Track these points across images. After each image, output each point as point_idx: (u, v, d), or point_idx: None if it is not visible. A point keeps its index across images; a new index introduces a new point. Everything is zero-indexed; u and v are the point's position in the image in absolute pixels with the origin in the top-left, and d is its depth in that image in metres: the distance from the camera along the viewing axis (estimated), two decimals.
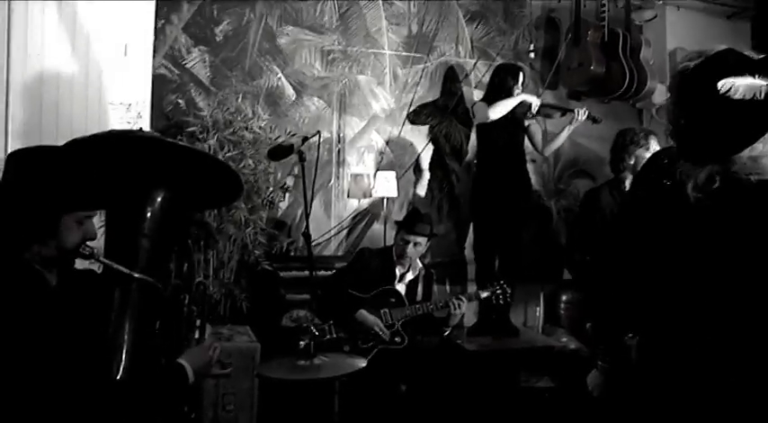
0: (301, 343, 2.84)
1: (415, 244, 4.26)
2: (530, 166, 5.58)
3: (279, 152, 3.18)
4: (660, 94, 5.74)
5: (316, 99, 5.57)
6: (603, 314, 3.12)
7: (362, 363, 2.97)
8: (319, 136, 3.24)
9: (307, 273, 3.63)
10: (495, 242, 5.29)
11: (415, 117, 5.88)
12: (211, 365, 2.31)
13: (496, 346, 5.03)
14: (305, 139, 3.17)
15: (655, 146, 4.12)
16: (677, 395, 1.87)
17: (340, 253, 5.58)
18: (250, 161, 4.61)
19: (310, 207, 3.20)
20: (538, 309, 5.83)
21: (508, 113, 5.16)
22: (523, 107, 5.23)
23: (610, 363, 2.82)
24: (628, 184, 4.15)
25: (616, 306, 2.69)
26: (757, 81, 1.73)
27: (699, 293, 1.82)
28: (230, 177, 2.33)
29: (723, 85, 1.74)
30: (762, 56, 1.86)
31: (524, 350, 5.01)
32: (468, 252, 5.71)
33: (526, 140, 5.44)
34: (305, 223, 3.22)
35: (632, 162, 4.14)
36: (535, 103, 5.19)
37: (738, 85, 1.73)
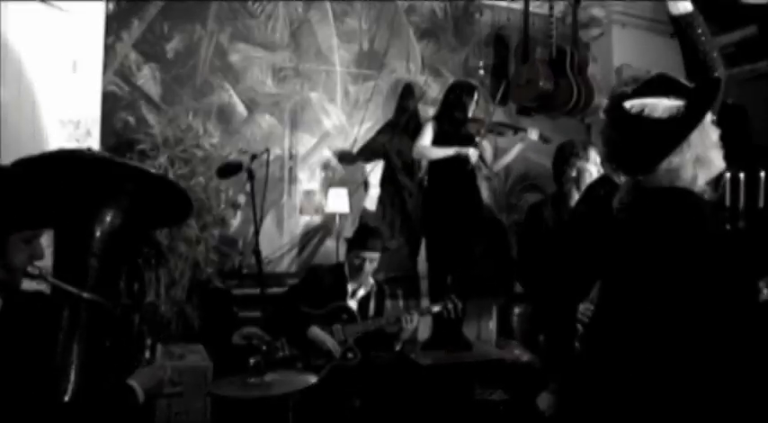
0: (252, 360, 2.84)
1: (371, 261, 4.29)
2: (482, 182, 5.68)
3: (227, 170, 3.20)
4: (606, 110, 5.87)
5: (267, 116, 5.58)
6: (552, 327, 3.21)
7: (313, 379, 2.98)
8: (268, 153, 3.27)
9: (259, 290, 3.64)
10: (447, 257, 5.35)
11: (360, 154, 5.93)
12: (162, 385, 2.29)
13: (450, 359, 5.08)
14: (253, 156, 3.19)
15: (595, 157, 4.20)
16: (623, 399, 1.91)
17: (293, 270, 5.58)
18: (201, 179, 4.61)
19: (260, 224, 3.21)
20: (491, 322, 5.89)
21: (461, 127, 5.25)
22: (474, 127, 5.32)
23: (560, 382, 2.90)
24: (572, 196, 4.23)
25: (561, 318, 2.77)
26: (675, 102, 1.89)
27: (627, 303, 1.91)
28: (179, 196, 2.34)
29: (636, 105, 1.91)
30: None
31: (478, 363, 5.06)
32: (421, 267, 5.75)
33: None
34: (254, 240, 3.23)
35: (574, 174, 4.20)
36: (473, 156, 5.21)
37: (656, 105, 1.90)
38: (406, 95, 6.05)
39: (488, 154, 5.66)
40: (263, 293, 3.37)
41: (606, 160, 2.13)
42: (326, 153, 5.80)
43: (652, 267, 1.86)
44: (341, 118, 5.84)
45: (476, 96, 5.41)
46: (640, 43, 6.50)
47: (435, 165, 5.37)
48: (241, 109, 5.49)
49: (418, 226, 5.84)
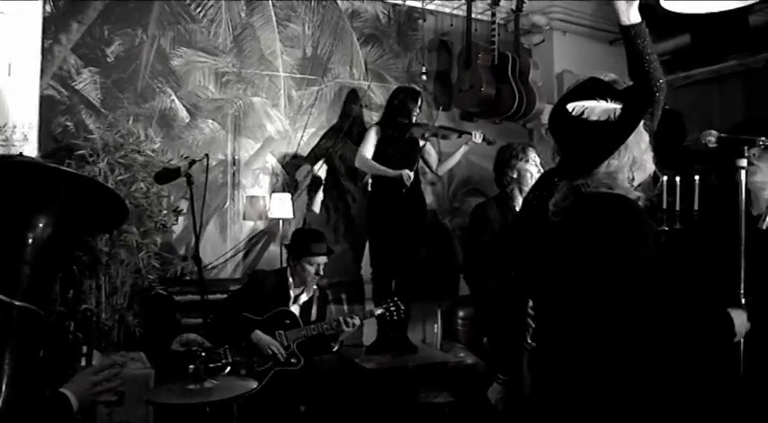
0: (191, 367, 2.83)
1: (319, 265, 4.30)
2: (425, 186, 5.73)
3: (165, 175, 3.17)
4: (548, 115, 5.97)
5: (210, 121, 5.54)
6: (498, 327, 3.28)
7: (253, 384, 2.98)
8: (207, 159, 3.25)
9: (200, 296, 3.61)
10: (391, 261, 5.37)
11: (305, 160, 5.92)
12: (98, 391, 2.26)
13: (395, 363, 5.10)
14: (192, 162, 3.17)
15: (534, 157, 4.29)
16: (567, 399, 1.98)
17: (237, 276, 5.54)
18: (142, 184, 4.56)
19: (200, 230, 3.19)
20: (436, 325, 5.93)
21: (405, 133, 5.30)
22: (419, 132, 5.36)
23: (510, 375, 2.95)
24: (514, 197, 4.31)
25: (508, 318, 2.84)
26: (611, 105, 1.95)
27: (565, 304, 1.96)
28: (114, 201, 2.31)
29: (577, 108, 1.95)
30: (629, 84, 2.06)
31: (423, 367, 5.08)
32: (366, 271, 5.79)
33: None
34: (196, 246, 3.21)
35: (515, 176, 4.28)
36: (406, 177, 5.17)
37: (594, 108, 1.95)
38: (350, 101, 6.06)
39: (433, 158, 5.72)
40: (205, 300, 3.34)
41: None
42: (270, 158, 5.78)
43: (585, 272, 1.92)
44: (284, 123, 5.83)
45: (419, 102, 5.45)
46: (581, 50, 6.64)
47: None
48: (183, 114, 5.44)
49: (362, 230, 5.87)
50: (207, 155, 3.29)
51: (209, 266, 5.42)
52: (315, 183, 5.92)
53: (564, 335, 2.00)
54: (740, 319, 1.97)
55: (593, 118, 1.95)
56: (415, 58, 6.38)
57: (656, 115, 2.26)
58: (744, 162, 2.24)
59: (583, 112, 1.96)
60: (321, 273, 4.32)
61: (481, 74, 5.96)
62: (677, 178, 4.60)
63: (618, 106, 1.96)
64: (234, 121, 5.63)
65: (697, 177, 4.49)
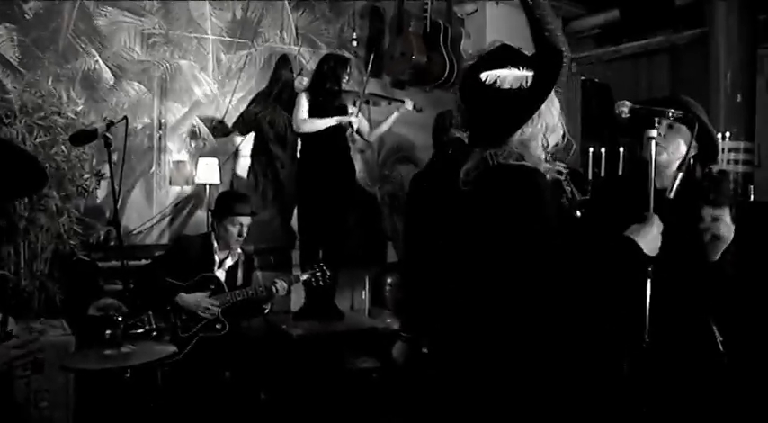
0: (108, 332, 2.81)
1: (242, 226, 4.28)
2: (355, 154, 5.75)
3: (81, 137, 3.10)
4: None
5: (136, 84, 5.42)
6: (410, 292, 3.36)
7: (172, 348, 2.98)
8: (126, 121, 3.20)
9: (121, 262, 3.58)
10: (319, 227, 5.39)
11: (234, 126, 5.88)
12: (14, 362, 2.24)
13: (322, 329, 5.17)
14: (110, 124, 3.11)
15: None
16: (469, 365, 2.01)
17: (163, 241, 5.48)
18: (63, 147, 4.46)
19: (122, 194, 3.16)
20: (364, 292, 5.99)
21: (335, 99, 5.30)
22: (349, 99, 5.37)
23: (412, 333, 3.06)
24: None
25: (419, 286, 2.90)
26: (523, 72, 1.96)
27: (473, 276, 1.99)
28: (32, 165, 2.28)
29: (490, 76, 1.96)
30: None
31: (350, 333, 5.16)
32: (294, 238, 5.80)
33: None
34: (121, 212, 3.16)
35: None
36: (355, 123, 5.28)
37: (506, 76, 1.95)
38: (280, 66, 6.00)
39: (364, 125, 5.72)
40: (125, 265, 3.32)
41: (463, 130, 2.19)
42: (198, 122, 5.71)
43: (491, 242, 1.92)
44: (212, 87, 5.74)
45: (349, 68, 5.44)
46: (513, 20, 6.67)
47: (309, 136, 5.37)
48: (107, 76, 5.31)
49: (291, 197, 5.86)
50: (126, 117, 3.24)
51: (135, 232, 5.36)
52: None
53: (466, 298, 2.02)
54: (647, 236, 2.02)
55: (506, 86, 1.95)
56: (346, 24, 6.32)
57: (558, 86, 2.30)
58: (654, 133, 2.29)
59: (495, 81, 1.96)
60: (244, 234, 4.29)
61: (412, 41, 5.99)
62: (602, 150, 4.75)
63: (529, 74, 1.96)
64: (160, 84, 5.52)
65: (621, 149, 4.65)
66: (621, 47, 6.88)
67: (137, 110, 5.36)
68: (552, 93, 2.03)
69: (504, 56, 2.01)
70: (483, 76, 1.98)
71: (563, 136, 2.08)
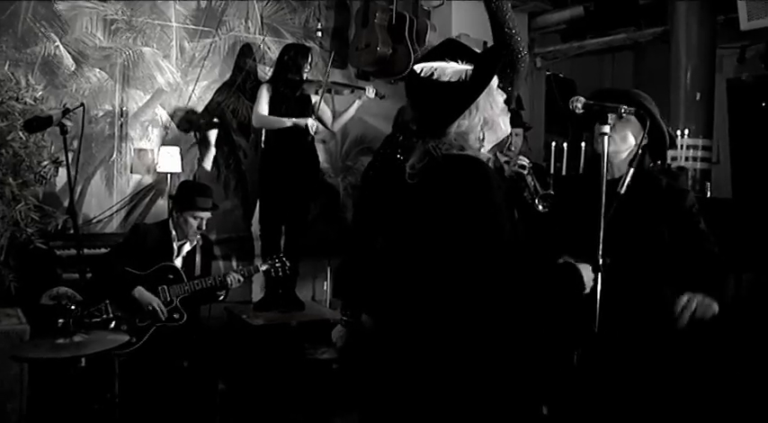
0: (60, 321, 2.81)
1: (202, 220, 4.27)
2: (318, 144, 5.77)
3: (36, 123, 3.09)
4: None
5: (97, 70, 5.37)
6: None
7: (125, 337, 2.99)
8: (84, 108, 3.19)
9: (86, 251, 3.54)
10: (281, 218, 5.41)
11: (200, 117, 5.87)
12: None
13: (282, 320, 5.19)
14: (66, 111, 3.11)
15: None
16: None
17: (123, 230, 5.40)
18: (21, 134, 4.41)
19: (78, 182, 3.15)
20: (325, 283, 6.02)
21: (297, 89, 5.31)
22: (311, 88, 5.39)
23: (351, 317, 3.14)
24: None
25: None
26: (463, 66, 2.03)
27: (422, 265, 2.03)
28: None
29: (426, 68, 2.02)
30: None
31: (310, 323, 5.17)
32: (255, 228, 5.79)
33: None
34: (81, 200, 3.15)
35: None
36: (311, 127, 5.26)
37: (444, 69, 2.01)
38: (244, 55, 5.98)
39: (327, 115, 5.72)
40: (82, 254, 3.31)
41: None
42: (160, 111, 5.68)
43: (440, 233, 1.96)
44: (176, 75, 5.72)
45: (310, 58, 5.44)
46: (479, 14, 6.69)
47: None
48: (68, 61, 5.26)
49: (253, 187, 5.86)
50: (83, 104, 3.22)
51: (95, 220, 5.33)
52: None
53: (413, 284, 2.05)
54: (587, 273, 2.08)
55: (444, 79, 2.01)
56: (312, 14, 6.32)
57: (516, 85, 2.38)
58: (606, 128, 2.32)
59: (432, 73, 2.01)
60: (203, 228, 4.29)
61: (378, 33, 6.00)
62: (564, 144, 4.83)
63: (469, 67, 2.01)
64: (122, 71, 5.48)
65: (583, 144, 4.72)
66: (586, 43, 6.95)
67: (98, 97, 5.32)
68: (496, 90, 2.09)
69: (445, 50, 2.07)
70: (418, 68, 2.04)
71: (509, 134, 2.15)
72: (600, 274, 2.18)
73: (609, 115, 2.39)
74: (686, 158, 5.62)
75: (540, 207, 3.16)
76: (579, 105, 2.35)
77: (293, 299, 5.46)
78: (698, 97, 5.75)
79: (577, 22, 6.81)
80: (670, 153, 5.66)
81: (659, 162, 3.88)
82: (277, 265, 4.51)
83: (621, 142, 2.71)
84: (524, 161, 4.48)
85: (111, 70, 5.44)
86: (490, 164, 2.08)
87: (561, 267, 2.07)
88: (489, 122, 2.08)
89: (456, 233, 1.92)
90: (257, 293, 5.63)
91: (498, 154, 4.95)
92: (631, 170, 2.44)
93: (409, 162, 2.06)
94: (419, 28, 6.14)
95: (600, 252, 2.22)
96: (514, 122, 5.06)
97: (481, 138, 2.07)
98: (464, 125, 2.04)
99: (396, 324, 2.11)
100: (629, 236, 2.59)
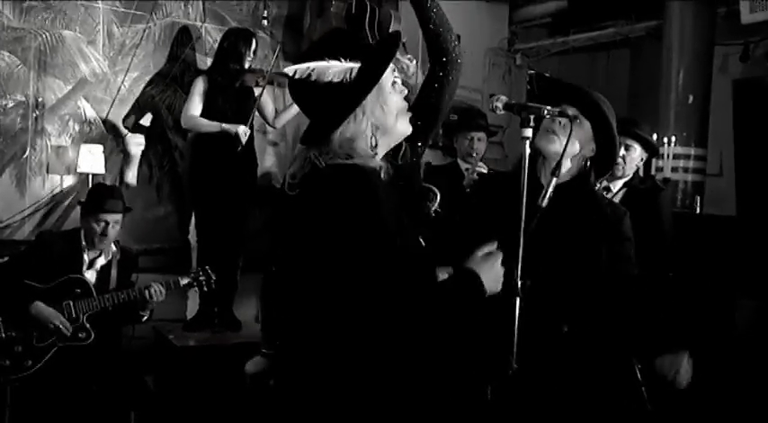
0: None
1: (115, 223, 4.06)
2: (266, 146, 5.58)
3: None
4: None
5: (6, 54, 5.14)
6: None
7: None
8: None
9: None
10: (217, 227, 5.19)
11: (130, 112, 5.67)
12: None
13: (214, 340, 5.04)
14: None
15: None
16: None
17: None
18: None
19: None
20: None
21: (236, 80, 5.10)
22: (252, 79, 5.17)
23: (274, 349, 3.10)
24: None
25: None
26: (348, 64, 1.94)
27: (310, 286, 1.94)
28: None
29: (301, 70, 1.94)
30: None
31: (246, 345, 4.95)
32: (193, 237, 5.53)
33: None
34: None
35: None
36: (243, 136, 5.01)
37: (324, 70, 1.93)
38: (181, 42, 5.78)
39: (269, 109, 5.48)
40: None
41: None
42: (83, 103, 5.46)
43: (316, 251, 1.88)
44: (102, 64, 5.49)
45: (253, 45, 5.20)
46: (454, 6, 6.55)
47: (210, 119, 5.10)
48: None
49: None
50: None
51: (2, 225, 5.13)
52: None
53: (305, 310, 1.97)
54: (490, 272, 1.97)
55: (325, 79, 1.91)
56: (262, 2, 6.09)
57: (446, 91, 2.30)
58: (528, 132, 2.20)
59: (310, 75, 1.91)
60: (109, 233, 4.06)
61: (333, 23, 5.83)
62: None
63: (355, 66, 1.92)
64: (38, 57, 5.25)
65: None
66: (571, 38, 6.82)
67: (7, 84, 5.13)
68: (390, 89, 1.99)
69: (329, 46, 2.01)
70: (293, 69, 1.95)
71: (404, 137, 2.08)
72: (517, 300, 2.13)
73: (556, 119, 2.43)
74: (674, 169, 5.45)
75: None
76: (500, 105, 2.27)
77: (229, 317, 5.24)
78: (690, 100, 5.56)
79: (560, 15, 6.71)
80: (655, 163, 5.51)
81: (638, 173, 3.77)
82: (201, 278, 4.28)
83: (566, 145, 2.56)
84: (482, 169, 4.37)
85: (23, 55, 5.21)
86: (383, 172, 1.98)
87: (459, 277, 1.95)
88: (382, 126, 1.98)
89: (334, 251, 1.83)
90: (192, 311, 5.40)
91: (460, 161, 4.88)
92: (554, 180, 2.35)
93: (288, 171, 1.97)
94: (382, 18, 5.97)
95: (518, 274, 2.14)
96: (476, 126, 4.96)
97: (373, 144, 1.97)
98: (350, 131, 1.93)
99: (287, 350, 2.07)
100: (550, 255, 2.48)
